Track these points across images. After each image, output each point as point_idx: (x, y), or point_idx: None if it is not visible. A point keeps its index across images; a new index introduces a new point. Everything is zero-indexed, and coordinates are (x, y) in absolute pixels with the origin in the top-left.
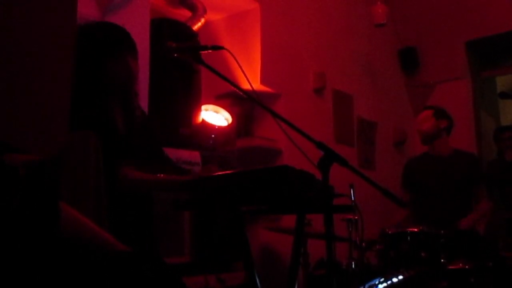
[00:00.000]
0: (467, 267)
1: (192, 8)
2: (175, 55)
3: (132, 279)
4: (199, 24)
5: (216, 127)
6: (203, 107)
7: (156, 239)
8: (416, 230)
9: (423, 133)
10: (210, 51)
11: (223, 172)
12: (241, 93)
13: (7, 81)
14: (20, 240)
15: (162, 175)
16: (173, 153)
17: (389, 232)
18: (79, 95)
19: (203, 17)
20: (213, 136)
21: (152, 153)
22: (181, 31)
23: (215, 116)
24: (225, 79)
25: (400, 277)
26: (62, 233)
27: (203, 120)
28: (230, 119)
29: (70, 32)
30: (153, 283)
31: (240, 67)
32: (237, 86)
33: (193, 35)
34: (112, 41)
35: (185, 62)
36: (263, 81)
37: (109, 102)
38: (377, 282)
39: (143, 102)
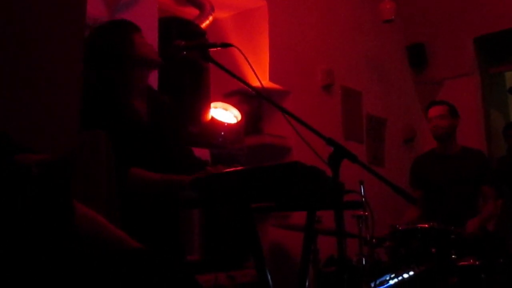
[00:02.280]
0: (477, 263)
1: (200, 6)
2: (184, 53)
3: (146, 276)
4: (207, 22)
5: (225, 125)
6: (212, 104)
7: (178, 239)
8: (426, 226)
9: (441, 129)
10: (218, 48)
11: (233, 169)
12: (250, 90)
13: (18, 82)
14: (35, 238)
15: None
16: None
17: (400, 228)
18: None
19: (211, 15)
20: (222, 133)
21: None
22: (189, 29)
23: (224, 113)
24: (235, 76)
25: (411, 273)
26: (76, 231)
27: (212, 117)
28: (239, 117)
29: (79, 32)
30: (166, 280)
31: (249, 64)
32: (247, 83)
33: (201, 33)
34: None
35: (193, 60)
36: (271, 78)
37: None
38: (387, 278)
39: None
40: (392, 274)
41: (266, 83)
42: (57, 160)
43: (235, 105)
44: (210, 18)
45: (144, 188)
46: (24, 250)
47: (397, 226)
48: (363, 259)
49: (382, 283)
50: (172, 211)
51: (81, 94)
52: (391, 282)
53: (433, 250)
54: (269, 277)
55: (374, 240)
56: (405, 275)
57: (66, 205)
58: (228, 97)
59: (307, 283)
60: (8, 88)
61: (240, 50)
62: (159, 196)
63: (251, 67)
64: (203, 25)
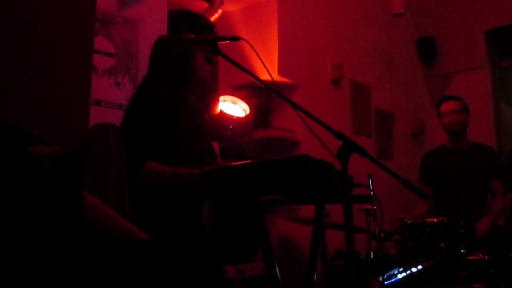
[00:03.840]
0: (486, 258)
1: None
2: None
3: (154, 267)
4: (216, 15)
5: (234, 118)
6: (221, 98)
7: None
8: (435, 220)
9: (456, 124)
10: (227, 42)
11: (242, 162)
12: (259, 84)
13: (30, 74)
14: (45, 229)
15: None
16: None
17: (408, 222)
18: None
19: (220, 8)
20: (231, 127)
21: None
22: (199, 22)
23: (232, 107)
24: (245, 70)
25: (419, 267)
26: (85, 222)
27: (221, 111)
28: (247, 110)
29: (90, 25)
30: (174, 271)
31: (259, 57)
32: (256, 77)
33: (211, 26)
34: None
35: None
36: (280, 72)
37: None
38: (396, 272)
39: None
40: (400, 268)
41: (275, 76)
42: (68, 152)
43: (244, 98)
44: (219, 11)
45: (158, 181)
46: (34, 243)
47: (406, 220)
48: (371, 253)
49: (390, 277)
50: (191, 204)
51: (91, 87)
52: (399, 276)
53: (441, 244)
54: (277, 270)
55: (382, 234)
56: (414, 269)
57: (76, 197)
58: (237, 91)
59: (315, 277)
60: (20, 81)
61: (249, 43)
62: (173, 189)
63: (261, 60)
64: (212, 18)
